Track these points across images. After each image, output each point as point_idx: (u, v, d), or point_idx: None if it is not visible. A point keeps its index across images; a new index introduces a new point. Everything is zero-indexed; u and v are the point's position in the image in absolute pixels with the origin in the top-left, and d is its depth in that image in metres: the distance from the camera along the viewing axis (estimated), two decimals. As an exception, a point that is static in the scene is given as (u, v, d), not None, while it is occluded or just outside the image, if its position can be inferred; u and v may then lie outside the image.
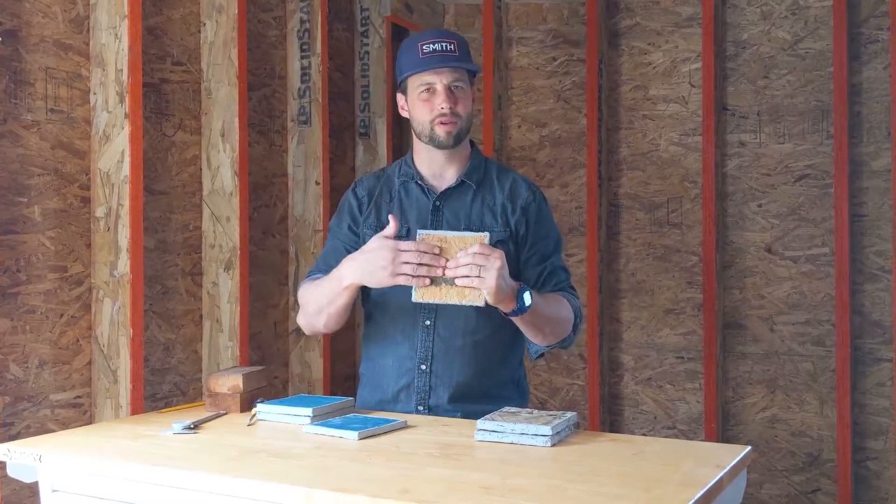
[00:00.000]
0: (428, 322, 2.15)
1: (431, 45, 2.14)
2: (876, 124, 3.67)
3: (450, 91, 2.14)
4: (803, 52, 3.80)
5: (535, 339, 2.14)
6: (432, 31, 2.21)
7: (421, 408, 2.16)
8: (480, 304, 1.94)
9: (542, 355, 2.24)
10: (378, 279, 1.99)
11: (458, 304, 1.95)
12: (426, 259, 1.93)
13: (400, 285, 2.03)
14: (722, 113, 3.89)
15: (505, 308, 1.99)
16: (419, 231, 2.00)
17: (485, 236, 1.95)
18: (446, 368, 2.16)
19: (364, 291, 2.22)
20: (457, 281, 1.92)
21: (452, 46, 2.15)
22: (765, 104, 3.85)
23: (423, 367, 2.16)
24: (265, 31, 3.41)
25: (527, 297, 1.99)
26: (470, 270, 1.90)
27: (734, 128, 3.90)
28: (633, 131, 4.05)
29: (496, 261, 1.90)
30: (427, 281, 1.94)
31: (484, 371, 2.18)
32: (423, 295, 1.96)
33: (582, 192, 4.06)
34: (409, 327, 2.16)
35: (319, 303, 2.13)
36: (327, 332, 2.23)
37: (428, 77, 2.14)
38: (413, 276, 1.94)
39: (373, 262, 1.98)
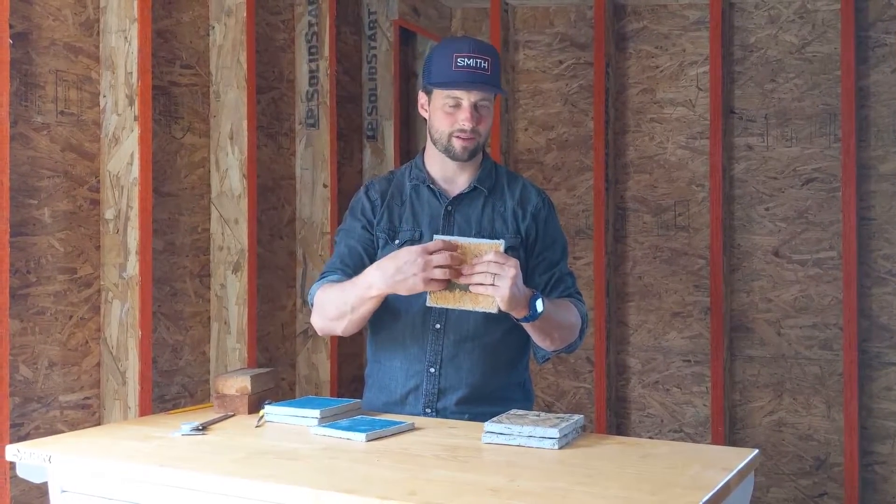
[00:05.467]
0: (438, 325, 2.16)
1: (466, 60, 2.10)
2: (884, 128, 3.67)
3: (475, 109, 2.13)
4: (811, 56, 3.80)
5: (542, 344, 2.15)
6: (469, 43, 2.16)
7: (429, 410, 2.16)
8: (493, 311, 1.95)
9: (547, 359, 2.25)
10: (409, 286, 1.95)
11: (471, 309, 1.97)
12: (453, 261, 1.93)
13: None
14: (729, 116, 3.89)
15: (517, 314, 2.00)
16: (435, 236, 2.00)
17: (500, 244, 1.95)
18: (455, 371, 2.16)
19: None
20: (471, 288, 1.92)
21: (486, 65, 2.12)
22: (772, 108, 3.85)
23: (433, 369, 2.16)
24: (273, 34, 3.42)
25: (539, 305, 2.00)
26: (484, 278, 1.90)
27: (741, 131, 3.90)
28: (640, 134, 4.05)
29: (511, 269, 1.90)
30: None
31: (492, 374, 2.19)
32: (437, 300, 1.97)
33: (589, 195, 4.06)
34: (418, 330, 2.17)
35: (342, 309, 2.09)
36: (345, 335, 2.20)
37: (457, 92, 2.12)
38: (442, 280, 1.93)
39: (405, 270, 1.94)
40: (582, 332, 2.20)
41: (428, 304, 1.98)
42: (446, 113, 2.14)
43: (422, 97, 2.23)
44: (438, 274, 1.92)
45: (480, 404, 2.15)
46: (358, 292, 2.05)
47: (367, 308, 2.07)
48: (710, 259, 3.84)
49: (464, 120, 2.12)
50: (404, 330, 2.18)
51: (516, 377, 2.26)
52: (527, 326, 2.06)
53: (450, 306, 1.98)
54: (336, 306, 2.10)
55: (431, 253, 1.93)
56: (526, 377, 2.30)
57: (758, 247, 3.86)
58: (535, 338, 2.12)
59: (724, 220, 3.81)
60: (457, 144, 2.14)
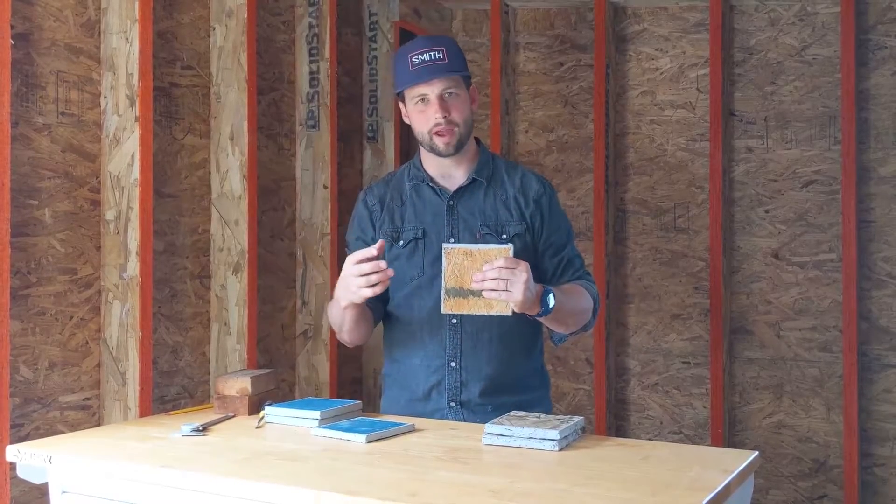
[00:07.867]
0: (455, 320, 2.19)
1: (420, 56, 2.16)
2: (883, 130, 3.67)
3: (442, 100, 2.16)
4: (811, 59, 3.81)
5: (557, 330, 2.21)
6: (421, 40, 2.23)
7: (453, 403, 2.19)
8: (508, 313, 1.98)
9: (564, 340, 2.30)
10: (359, 296, 2.01)
11: (486, 314, 2.00)
12: (366, 268, 1.97)
13: (422, 291, 2.17)
14: (729, 118, 3.89)
15: (531, 312, 2.03)
16: (444, 245, 2.03)
17: (509, 248, 1.97)
18: (475, 363, 2.19)
19: (386, 295, 2.28)
20: (484, 293, 1.94)
21: (441, 54, 2.16)
22: (772, 110, 3.85)
23: (453, 363, 2.20)
24: (274, 35, 3.42)
25: (551, 300, 2.03)
26: (497, 284, 1.92)
27: (741, 133, 3.90)
28: (640, 136, 4.05)
29: (522, 273, 1.92)
30: (386, 285, 1.99)
31: (510, 361, 2.22)
32: (451, 307, 2.01)
33: (589, 196, 4.06)
34: (435, 326, 2.20)
35: (337, 324, 2.22)
36: (361, 343, 2.29)
37: (420, 89, 2.17)
38: (371, 287, 1.97)
39: (344, 285, 2.03)
40: (595, 311, 2.24)
41: (443, 311, 2.02)
42: (419, 112, 2.19)
43: (401, 107, 2.27)
44: (362, 283, 1.97)
45: (502, 394, 2.19)
46: (336, 307, 2.15)
47: (350, 318, 2.16)
48: (709, 261, 3.85)
49: (434, 114, 2.15)
50: (421, 327, 2.22)
51: (532, 364, 2.30)
52: (541, 319, 2.09)
53: (464, 312, 2.01)
54: (335, 323, 2.24)
55: (361, 261, 1.98)
56: (542, 362, 2.35)
57: (757, 249, 3.86)
58: (551, 326, 2.17)
59: (723, 222, 3.82)
60: (438, 141, 2.18)
